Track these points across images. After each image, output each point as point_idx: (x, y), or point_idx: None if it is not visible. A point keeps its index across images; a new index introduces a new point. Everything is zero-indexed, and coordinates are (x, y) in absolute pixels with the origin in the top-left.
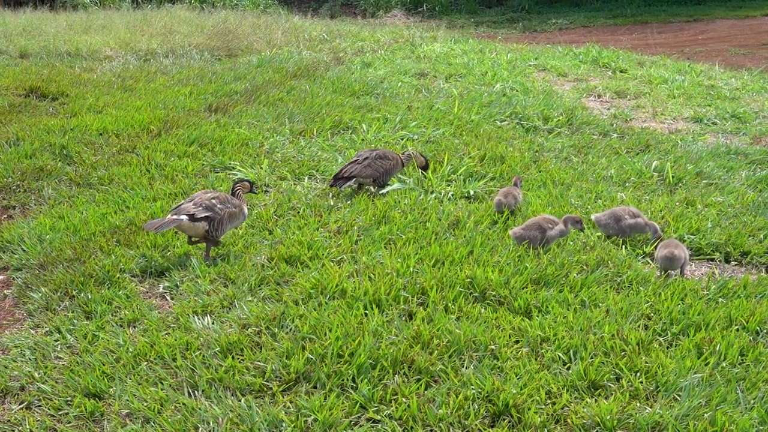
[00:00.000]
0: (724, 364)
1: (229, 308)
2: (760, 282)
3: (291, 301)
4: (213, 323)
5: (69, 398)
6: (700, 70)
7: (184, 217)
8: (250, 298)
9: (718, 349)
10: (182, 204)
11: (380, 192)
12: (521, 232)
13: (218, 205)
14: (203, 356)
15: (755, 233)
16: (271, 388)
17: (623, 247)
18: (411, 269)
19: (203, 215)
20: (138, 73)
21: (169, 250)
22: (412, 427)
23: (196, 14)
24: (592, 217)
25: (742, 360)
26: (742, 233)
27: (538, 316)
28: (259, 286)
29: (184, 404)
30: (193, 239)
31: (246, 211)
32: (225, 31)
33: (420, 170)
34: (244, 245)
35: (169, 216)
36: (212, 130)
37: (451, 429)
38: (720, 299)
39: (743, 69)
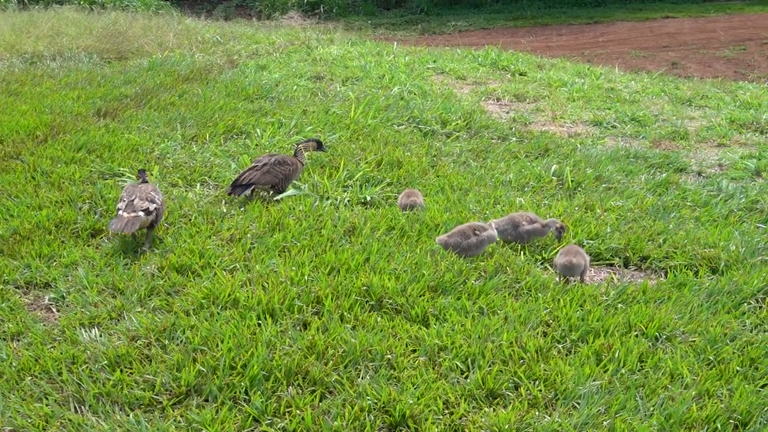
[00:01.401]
0: (623, 371)
1: (118, 320)
2: (659, 287)
3: (182, 312)
4: (101, 335)
5: None
6: (599, 73)
7: (141, 213)
8: (139, 309)
9: (617, 355)
10: (133, 200)
11: (274, 198)
12: (446, 240)
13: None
14: (90, 370)
15: (654, 238)
16: (161, 402)
17: (522, 253)
18: (306, 277)
19: (152, 208)
20: (24, 76)
21: (54, 260)
22: None
23: (85, 15)
24: (491, 222)
25: (642, 366)
26: (642, 238)
27: (435, 325)
28: (149, 296)
29: (70, 420)
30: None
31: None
32: (115, 33)
33: (320, 151)
34: (133, 254)
35: (126, 214)
36: (101, 136)
37: None
38: (619, 305)
39: (643, 71)
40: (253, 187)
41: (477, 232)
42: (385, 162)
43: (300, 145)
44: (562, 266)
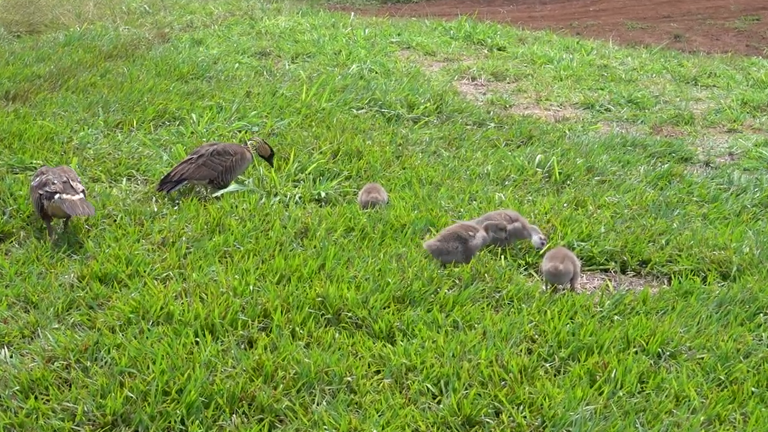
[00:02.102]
0: (620, 393)
1: (32, 338)
2: (662, 296)
3: (106, 329)
4: (11, 357)
5: None
6: (591, 48)
7: (83, 195)
8: (56, 326)
9: (613, 375)
10: (66, 181)
11: (213, 195)
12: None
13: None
14: (0, 397)
15: (656, 238)
16: None
17: (502, 257)
18: (251, 287)
19: (85, 191)
20: None
21: None
22: None
23: None
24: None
25: (642, 388)
26: (641, 239)
27: (402, 341)
28: (68, 310)
29: None
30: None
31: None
32: (25, 2)
33: (264, 160)
34: (49, 262)
35: (70, 196)
36: (9, 123)
37: None
38: (615, 317)
39: (641, 46)
40: (185, 182)
41: (470, 233)
42: (342, 152)
43: (254, 140)
44: (548, 273)
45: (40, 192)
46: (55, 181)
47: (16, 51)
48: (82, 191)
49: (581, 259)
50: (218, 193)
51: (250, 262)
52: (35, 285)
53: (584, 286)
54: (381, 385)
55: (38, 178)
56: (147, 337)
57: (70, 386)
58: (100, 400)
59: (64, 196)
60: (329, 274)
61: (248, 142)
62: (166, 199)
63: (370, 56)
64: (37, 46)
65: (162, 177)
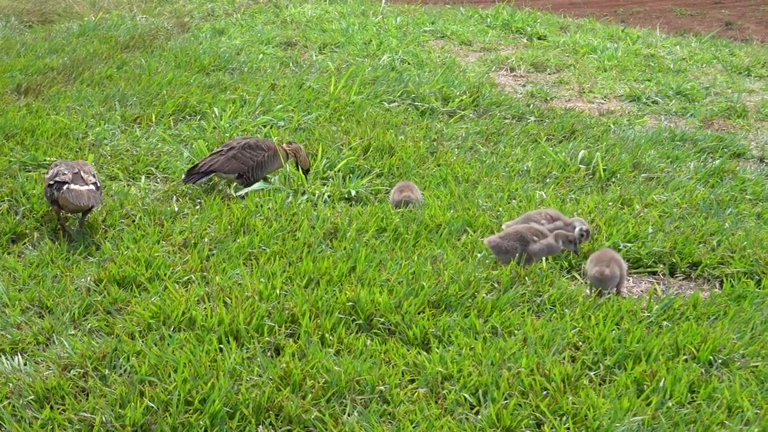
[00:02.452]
0: (669, 404)
1: (47, 345)
2: (713, 300)
3: (125, 335)
4: (25, 364)
5: None
6: (636, 36)
7: (92, 186)
8: (72, 332)
9: (662, 384)
10: (77, 172)
11: (237, 194)
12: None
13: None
14: (14, 407)
15: (706, 239)
16: None
17: (543, 259)
18: (277, 291)
19: (99, 184)
20: None
21: None
22: None
23: None
24: (504, 225)
25: (692, 398)
26: (691, 239)
27: (438, 348)
28: (85, 315)
29: None
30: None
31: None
32: None
33: (301, 170)
34: (64, 264)
35: (79, 186)
36: (22, 118)
37: None
38: (664, 323)
39: (690, 34)
40: (212, 174)
41: (535, 237)
42: (373, 148)
43: (296, 146)
44: (594, 278)
45: (50, 183)
46: (66, 172)
47: (28, 42)
48: (94, 183)
49: (627, 261)
50: (242, 192)
51: (276, 265)
52: (50, 289)
53: (631, 289)
54: (415, 394)
55: (51, 171)
56: (168, 344)
57: (88, 395)
58: (119, 411)
59: (72, 186)
60: (360, 278)
61: (290, 144)
62: (187, 198)
63: (402, 46)
64: (49, 37)
65: (188, 168)
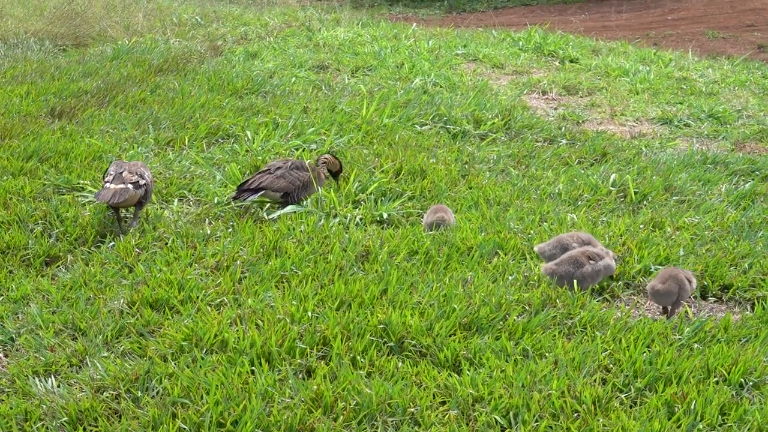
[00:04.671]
0: (700, 426)
1: (80, 367)
2: (744, 322)
3: (158, 357)
4: (59, 386)
5: None
6: (669, 59)
7: (130, 186)
8: (105, 354)
9: (693, 407)
10: (121, 173)
11: (270, 217)
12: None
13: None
14: (47, 428)
15: (738, 262)
16: None
17: (575, 282)
18: (309, 314)
19: (142, 182)
20: None
21: (0, 294)
22: None
23: None
24: (536, 248)
25: (724, 420)
26: (722, 262)
27: (469, 371)
28: (117, 338)
29: None
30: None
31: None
32: (71, 14)
33: (333, 178)
34: (97, 287)
35: (114, 185)
36: (56, 141)
37: None
38: (695, 345)
39: (722, 57)
40: (262, 192)
41: (592, 260)
42: (405, 171)
43: (324, 157)
44: (651, 291)
45: (103, 183)
46: (112, 172)
47: (62, 65)
48: (133, 182)
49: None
50: (275, 215)
51: (308, 287)
52: (83, 311)
53: (661, 312)
54: (447, 416)
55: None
56: (200, 366)
57: (120, 417)
58: None
59: (108, 185)
60: (392, 300)
61: (318, 160)
62: (219, 221)
63: (434, 69)
64: (83, 60)
65: (238, 185)
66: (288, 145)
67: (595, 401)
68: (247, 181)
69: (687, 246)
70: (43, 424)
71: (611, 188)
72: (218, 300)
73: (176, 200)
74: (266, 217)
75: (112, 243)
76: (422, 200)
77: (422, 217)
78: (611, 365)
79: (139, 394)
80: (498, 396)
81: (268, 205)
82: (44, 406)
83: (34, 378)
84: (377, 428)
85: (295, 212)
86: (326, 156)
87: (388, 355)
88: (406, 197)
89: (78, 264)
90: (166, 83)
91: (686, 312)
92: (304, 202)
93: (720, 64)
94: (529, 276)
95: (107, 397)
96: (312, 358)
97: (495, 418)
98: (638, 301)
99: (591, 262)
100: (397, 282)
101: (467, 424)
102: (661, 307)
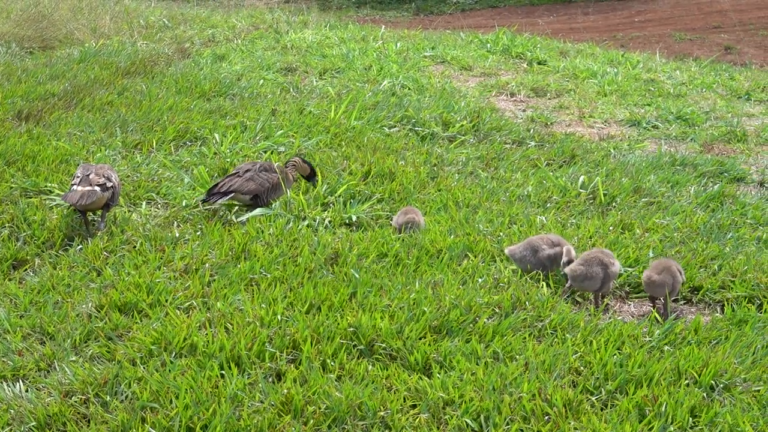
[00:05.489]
0: (671, 429)
1: (48, 371)
2: (715, 324)
3: (126, 361)
4: (27, 391)
5: None
6: (636, 61)
7: (97, 188)
8: (74, 358)
9: (663, 409)
10: (88, 175)
11: (238, 219)
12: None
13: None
14: None
15: (707, 264)
16: None
17: (544, 284)
18: (279, 317)
19: (109, 184)
20: None
21: None
22: None
23: None
24: (506, 250)
25: (694, 423)
26: (692, 264)
27: (439, 374)
28: (86, 341)
29: None
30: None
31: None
32: (38, 17)
33: (306, 181)
34: (65, 290)
35: (81, 187)
36: (23, 144)
37: None
38: (665, 347)
39: (690, 58)
40: (231, 195)
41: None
42: (374, 173)
43: (293, 160)
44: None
45: (70, 185)
46: (79, 174)
47: (29, 68)
48: (100, 185)
49: (628, 285)
50: (243, 218)
51: (277, 291)
52: (51, 315)
53: (632, 314)
54: (417, 420)
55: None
56: (169, 370)
57: (89, 422)
58: None
59: (76, 187)
60: (361, 303)
61: (288, 163)
62: (188, 224)
63: (402, 71)
64: (50, 63)
65: (208, 188)
66: (256, 147)
67: (566, 404)
68: (217, 184)
69: (656, 248)
70: (11, 429)
71: (580, 190)
72: (187, 303)
73: (144, 203)
74: (235, 220)
75: (80, 246)
76: (391, 202)
77: (391, 219)
78: (582, 368)
79: (108, 398)
80: (469, 399)
81: (236, 207)
82: (12, 411)
83: (1, 383)
84: None
85: (263, 215)
86: (295, 159)
87: (358, 358)
88: (375, 199)
89: (46, 267)
90: (134, 86)
91: (656, 315)
92: (273, 205)
93: (687, 66)
94: (498, 278)
95: (76, 401)
96: (282, 362)
97: (466, 422)
98: (608, 303)
99: (612, 261)
100: (367, 285)
101: (438, 428)
102: (649, 299)
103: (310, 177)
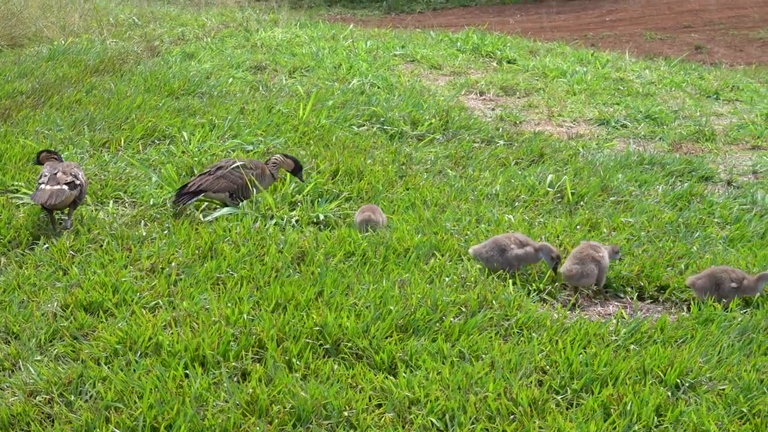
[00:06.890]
0: (636, 427)
1: (12, 371)
2: (681, 323)
3: (91, 360)
4: None
5: None
6: (606, 60)
7: (65, 186)
8: (38, 358)
9: (629, 408)
10: (56, 173)
11: (206, 218)
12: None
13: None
14: None
15: (674, 263)
16: None
17: (511, 282)
18: (245, 316)
19: (77, 182)
20: None
21: None
22: None
23: None
24: (470, 250)
25: (660, 421)
26: (659, 263)
27: (405, 373)
28: (51, 341)
29: None
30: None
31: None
32: (7, 14)
33: (293, 176)
34: (31, 289)
35: (49, 187)
36: None
37: None
38: (631, 346)
39: (660, 58)
40: (201, 195)
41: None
42: (342, 172)
43: (274, 158)
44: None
45: (36, 184)
46: (46, 173)
47: None
48: (68, 183)
49: (595, 285)
50: (210, 217)
51: (243, 290)
52: (16, 314)
53: (599, 313)
54: (382, 419)
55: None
56: (134, 370)
57: (53, 422)
58: None
59: (44, 186)
60: (328, 302)
61: (269, 160)
62: (155, 222)
63: (372, 70)
64: (19, 61)
65: (178, 189)
66: (225, 146)
67: (531, 403)
68: (187, 184)
69: (623, 246)
70: None
71: (548, 189)
72: (153, 303)
73: (111, 202)
74: (202, 219)
75: (47, 245)
76: (359, 201)
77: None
78: (548, 367)
79: (72, 398)
80: (434, 398)
81: (204, 205)
82: None
83: None
84: (312, 431)
85: (231, 214)
86: (277, 156)
87: (323, 357)
88: (343, 198)
89: (11, 267)
90: (102, 84)
91: (623, 313)
92: (240, 204)
93: (657, 65)
94: (465, 277)
95: (40, 401)
96: (247, 362)
97: (431, 421)
98: (574, 302)
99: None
100: (334, 284)
101: (403, 427)
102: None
103: (296, 171)
